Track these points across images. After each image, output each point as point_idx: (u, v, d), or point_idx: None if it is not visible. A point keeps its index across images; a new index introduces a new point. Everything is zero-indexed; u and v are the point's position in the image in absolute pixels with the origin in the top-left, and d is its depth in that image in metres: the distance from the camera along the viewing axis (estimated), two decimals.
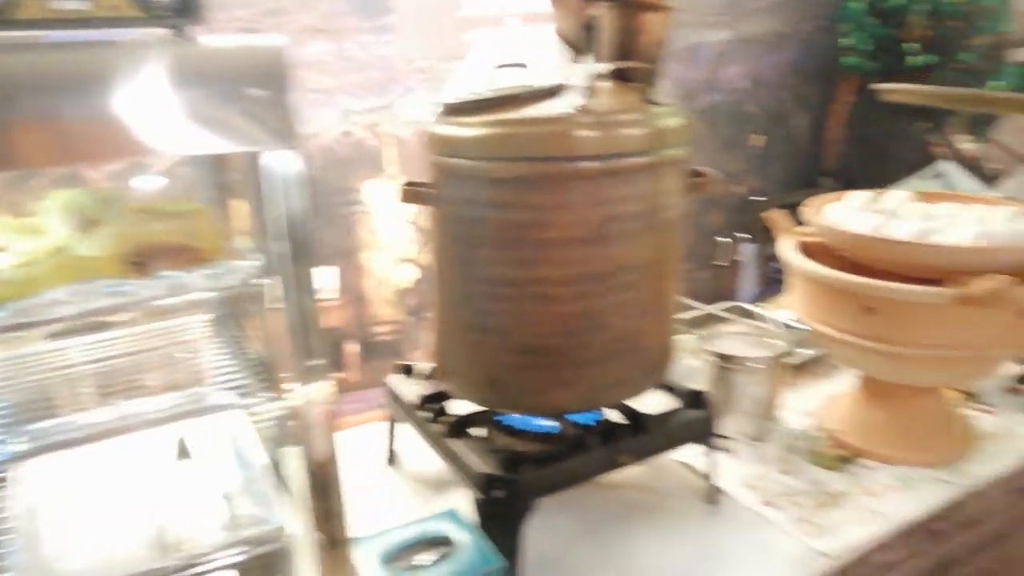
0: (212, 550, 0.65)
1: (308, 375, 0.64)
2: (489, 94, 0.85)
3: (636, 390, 0.91)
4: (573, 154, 0.79)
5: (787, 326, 1.39)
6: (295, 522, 0.69)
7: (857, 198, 1.13)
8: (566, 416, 0.92)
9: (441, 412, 0.96)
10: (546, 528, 0.94)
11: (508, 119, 0.80)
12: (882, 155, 2.56)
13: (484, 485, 0.83)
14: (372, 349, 2.00)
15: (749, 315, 1.54)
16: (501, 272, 0.84)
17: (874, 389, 1.12)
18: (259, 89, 0.58)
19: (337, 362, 1.96)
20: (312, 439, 0.64)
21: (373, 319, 1.99)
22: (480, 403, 0.92)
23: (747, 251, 2.41)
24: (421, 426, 0.98)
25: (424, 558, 0.74)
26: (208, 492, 0.73)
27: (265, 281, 0.64)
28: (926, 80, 2.69)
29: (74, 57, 0.53)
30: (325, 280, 1.74)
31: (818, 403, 1.21)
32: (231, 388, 0.81)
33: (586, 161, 0.79)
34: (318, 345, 0.63)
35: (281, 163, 0.60)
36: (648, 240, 0.85)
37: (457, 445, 0.90)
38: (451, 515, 0.80)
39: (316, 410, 0.64)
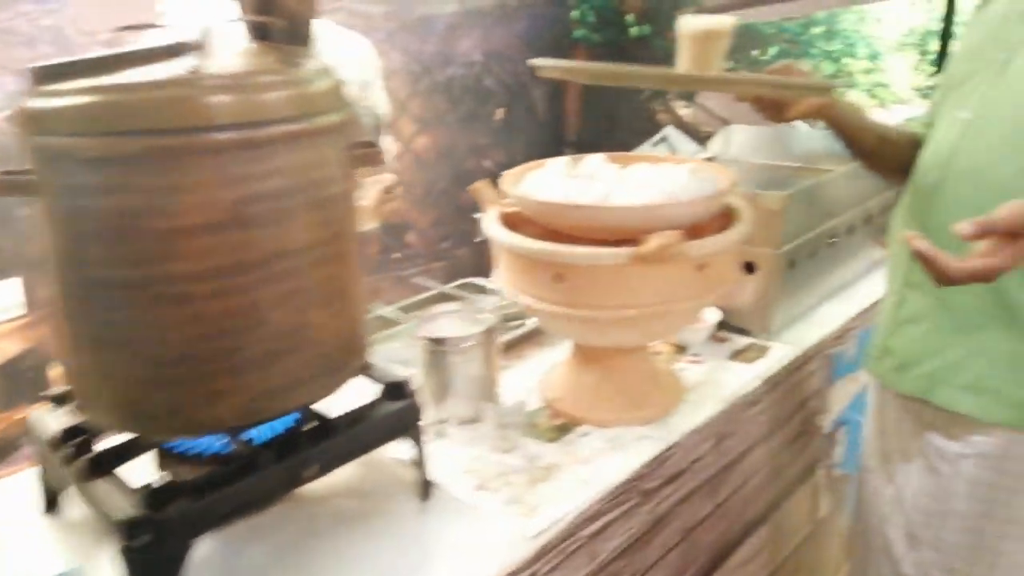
0: None
1: None
2: (88, 56, 0.70)
3: (316, 392, 0.81)
4: (189, 125, 0.66)
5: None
6: None
7: (556, 165, 1.12)
8: (240, 431, 0.80)
9: (84, 447, 0.80)
10: (232, 564, 0.82)
11: (104, 85, 0.66)
12: (616, 124, 2.69)
13: (126, 531, 0.69)
14: None
15: (483, 291, 1.50)
16: (118, 273, 0.69)
17: (584, 355, 1.12)
18: None
19: (40, 389, 1.66)
20: None
21: None
22: (123, 430, 0.78)
23: None
24: (62, 466, 0.81)
25: None
26: None
27: None
28: (646, 50, 2.87)
29: None
30: (4, 294, 1.45)
31: (540, 375, 1.20)
32: None
33: (208, 132, 0.67)
34: None
35: None
36: (306, 220, 0.75)
37: (99, 486, 0.75)
38: None
39: None
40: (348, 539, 0.87)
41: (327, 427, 0.83)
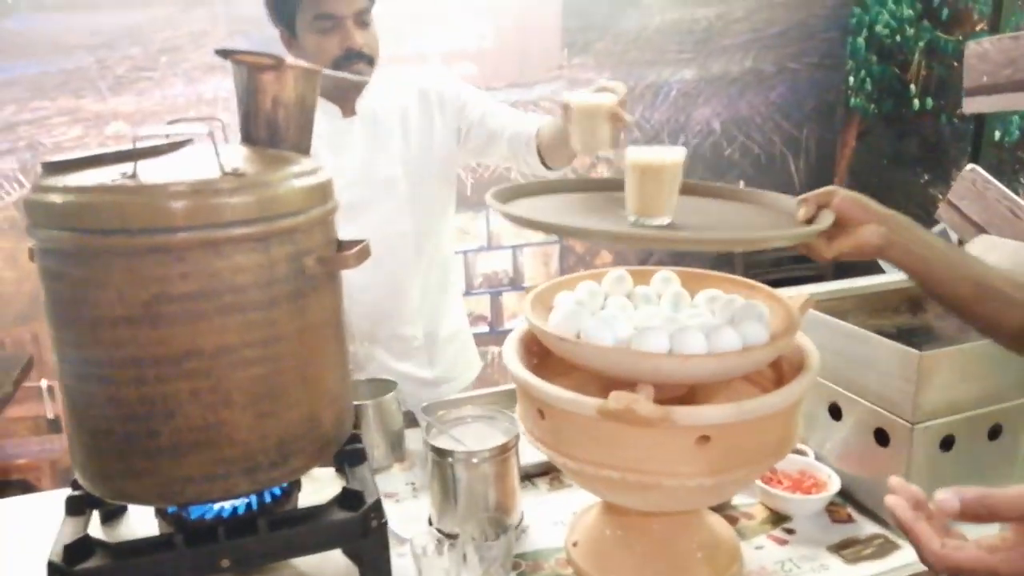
0: None
1: None
2: (83, 154, 0.80)
3: (237, 486, 0.80)
4: (106, 227, 0.72)
5: None
6: None
7: (612, 277, 0.97)
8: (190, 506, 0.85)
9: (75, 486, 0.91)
10: None
11: (55, 185, 0.75)
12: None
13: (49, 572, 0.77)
14: None
15: None
16: (66, 350, 0.78)
17: (610, 503, 0.94)
18: None
19: None
20: None
21: None
22: (85, 486, 0.86)
23: None
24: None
25: None
26: None
27: None
28: (931, 126, 2.31)
29: None
30: None
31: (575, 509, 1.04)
32: None
33: (121, 235, 0.71)
34: None
35: None
36: (224, 322, 0.76)
37: (67, 522, 0.86)
38: None
39: None
40: None
41: (251, 522, 0.83)
